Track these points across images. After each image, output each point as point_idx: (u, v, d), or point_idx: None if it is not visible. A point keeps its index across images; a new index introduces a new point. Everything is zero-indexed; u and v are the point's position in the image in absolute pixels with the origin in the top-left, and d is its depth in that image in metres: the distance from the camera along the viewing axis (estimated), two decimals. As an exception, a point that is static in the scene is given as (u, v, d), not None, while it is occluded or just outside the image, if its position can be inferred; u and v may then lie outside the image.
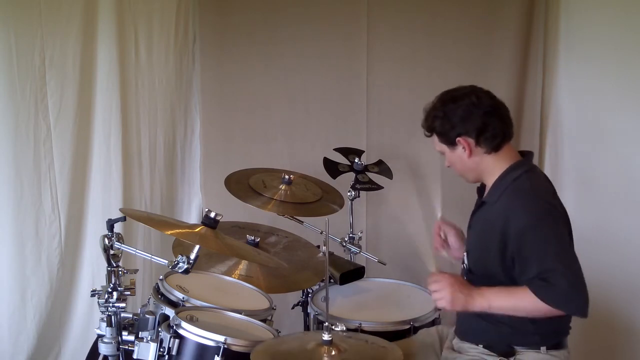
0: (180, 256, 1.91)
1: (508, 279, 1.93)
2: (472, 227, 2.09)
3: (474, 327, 2.01)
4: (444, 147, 2.03)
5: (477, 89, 1.97)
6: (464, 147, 1.97)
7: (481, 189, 2.11)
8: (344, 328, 1.85)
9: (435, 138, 2.04)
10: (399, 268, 3.29)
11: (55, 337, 3.03)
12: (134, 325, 2.01)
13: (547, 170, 3.45)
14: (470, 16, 3.41)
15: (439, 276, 1.96)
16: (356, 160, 2.90)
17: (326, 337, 1.75)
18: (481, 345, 2.01)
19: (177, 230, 1.97)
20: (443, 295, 1.91)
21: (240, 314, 2.13)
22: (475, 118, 1.93)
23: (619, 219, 3.08)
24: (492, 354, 1.99)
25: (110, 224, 1.95)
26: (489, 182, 2.02)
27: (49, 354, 3.02)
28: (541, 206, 1.89)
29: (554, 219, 1.89)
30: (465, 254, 2.12)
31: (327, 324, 1.78)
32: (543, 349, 1.97)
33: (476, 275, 2.05)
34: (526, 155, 2.04)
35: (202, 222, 1.97)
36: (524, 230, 1.85)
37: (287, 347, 1.87)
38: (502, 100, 1.99)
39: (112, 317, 1.96)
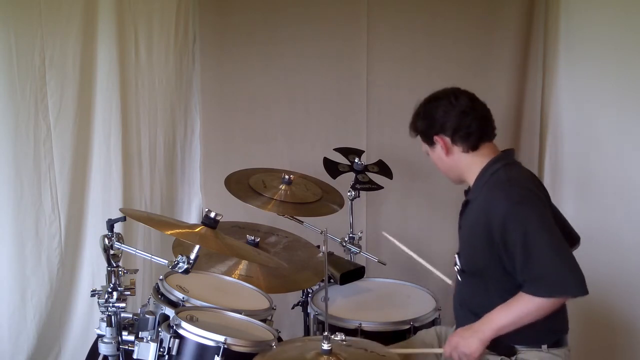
0: (180, 256, 1.91)
1: (499, 272, 1.94)
2: (461, 227, 2.12)
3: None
4: (426, 147, 2.09)
5: (458, 90, 2.03)
6: (441, 146, 2.02)
7: (468, 190, 2.12)
8: (344, 337, 1.86)
9: (419, 138, 2.09)
10: (399, 268, 3.29)
11: (55, 337, 3.03)
12: (134, 325, 2.01)
13: (547, 171, 3.46)
14: (470, 16, 3.41)
15: (447, 351, 2.00)
16: (356, 160, 2.90)
17: (325, 346, 1.76)
18: (482, 345, 2.02)
19: (177, 230, 1.97)
20: (459, 353, 1.96)
21: (240, 314, 2.13)
22: (451, 117, 1.98)
23: (619, 218, 3.08)
24: (493, 353, 1.99)
25: (110, 224, 1.95)
26: (471, 182, 2.05)
27: (49, 354, 3.02)
28: (517, 192, 1.91)
29: (532, 201, 1.90)
30: (456, 255, 2.13)
31: (326, 333, 1.78)
32: (544, 347, 1.97)
33: (468, 274, 2.06)
34: (506, 151, 2.06)
35: (202, 222, 1.97)
36: (504, 219, 1.87)
37: (287, 357, 1.87)
38: (484, 102, 2.02)
39: (112, 317, 1.96)
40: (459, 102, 1.99)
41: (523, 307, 1.88)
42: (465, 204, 2.08)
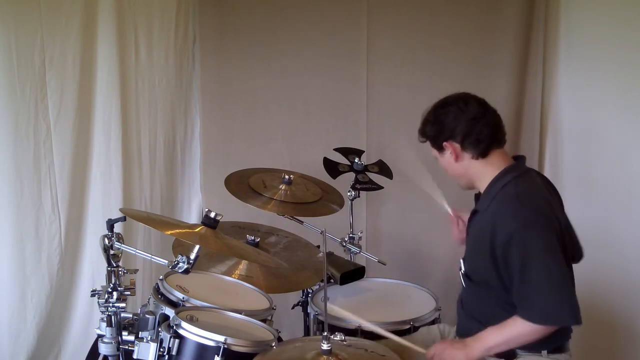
0: (180, 256, 1.91)
1: (502, 286, 1.94)
2: (469, 234, 2.11)
3: (474, 330, 2.01)
4: (435, 152, 2.07)
5: (469, 96, 2.01)
6: (451, 152, 2.00)
7: (478, 196, 2.12)
8: (343, 337, 1.86)
9: (428, 143, 2.08)
10: (399, 268, 3.29)
11: (55, 337, 3.03)
12: (134, 325, 2.01)
13: (547, 171, 3.46)
14: (470, 16, 3.41)
15: (430, 352, 2.01)
16: (356, 160, 2.90)
17: (325, 346, 1.76)
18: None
19: (177, 230, 1.97)
20: (441, 358, 1.97)
21: (240, 314, 2.13)
22: (461, 123, 1.97)
23: (619, 219, 3.08)
24: (493, 357, 1.99)
25: (110, 224, 1.95)
26: (482, 189, 2.03)
27: (49, 354, 3.02)
28: (525, 214, 1.88)
29: (538, 226, 1.87)
30: (462, 260, 2.13)
31: (326, 333, 1.78)
32: (544, 352, 1.97)
33: (474, 282, 2.06)
34: (518, 160, 2.04)
35: (202, 222, 1.97)
36: (508, 240, 1.86)
37: (287, 357, 1.87)
38: (494, 108, 2.01)
39: (112, 317, 1.96)
40: (469, 108, 1.97)
41: (515, 331, 1.89)
42: (474, 213, 2.06)
